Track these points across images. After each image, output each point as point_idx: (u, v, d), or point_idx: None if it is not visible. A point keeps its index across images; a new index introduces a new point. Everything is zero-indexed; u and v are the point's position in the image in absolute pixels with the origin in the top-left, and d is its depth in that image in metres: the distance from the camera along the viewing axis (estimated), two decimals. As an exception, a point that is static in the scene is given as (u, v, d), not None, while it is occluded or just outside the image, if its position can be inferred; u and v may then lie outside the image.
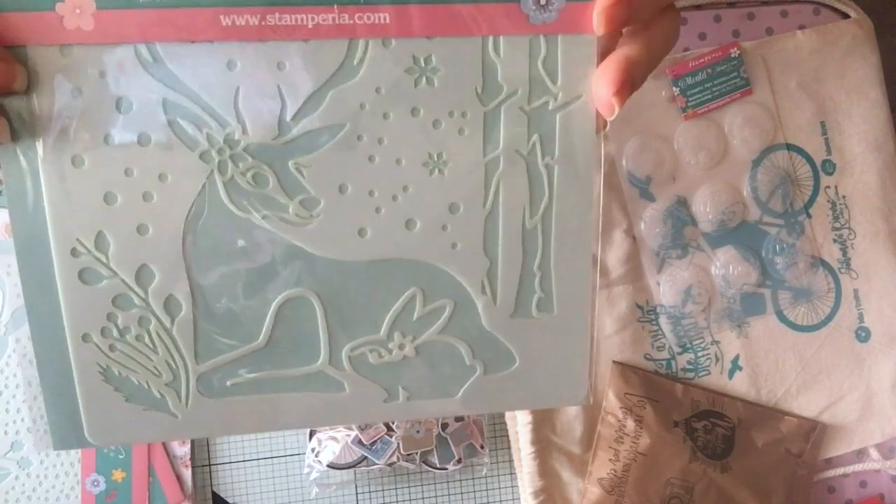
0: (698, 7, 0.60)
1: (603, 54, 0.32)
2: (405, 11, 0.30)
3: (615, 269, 0.58)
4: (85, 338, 0.32)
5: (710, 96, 0.57)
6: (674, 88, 0.57)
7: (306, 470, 0.58)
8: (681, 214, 0.58)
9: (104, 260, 0.31)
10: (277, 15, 0.30)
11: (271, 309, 0.33)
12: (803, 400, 0.60)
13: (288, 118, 0.31)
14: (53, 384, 0.32)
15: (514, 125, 0.32)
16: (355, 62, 0.31)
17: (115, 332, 0.32)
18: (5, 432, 0.56)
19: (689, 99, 0.57)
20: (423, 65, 0.31)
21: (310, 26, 0.30)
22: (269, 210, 0.32)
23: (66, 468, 0.57)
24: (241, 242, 0.32)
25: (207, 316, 0.33)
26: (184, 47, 0.30)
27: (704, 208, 0.58)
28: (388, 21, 0.30)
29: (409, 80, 0.31)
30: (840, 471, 0.62)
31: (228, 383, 0.33)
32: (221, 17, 0.29)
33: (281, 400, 0.34)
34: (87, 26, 0.29)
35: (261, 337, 0.33)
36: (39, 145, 0.30)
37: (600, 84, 0.31)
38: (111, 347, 0.32)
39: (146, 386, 0.33)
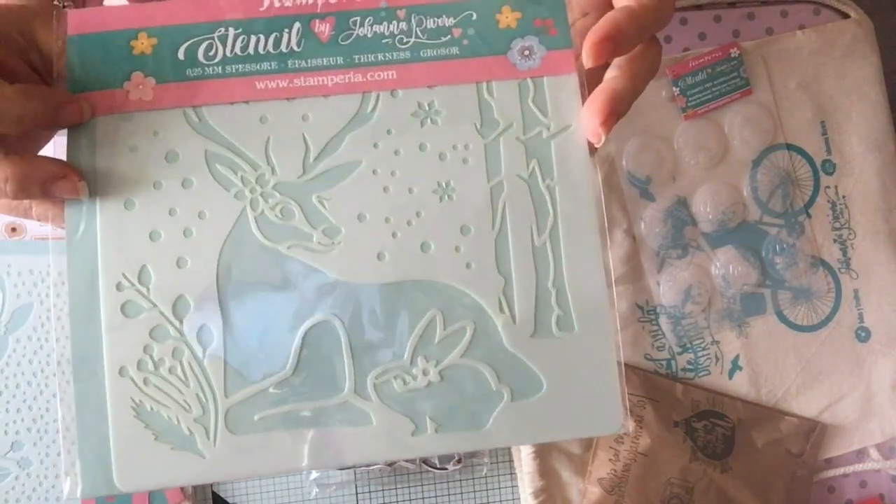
0: (698, 7, 0.60)
1: (591, 82, 0.36)
2: (408, 69, 0.36)
3: (615, 269, 0.58)
4: (122, 371, 0.34)
5: (710, 96, 0.57)
6: (674, 88, 0.57)
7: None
8: (681, 214, 0.58)
9: (145, 292, 0.35)
10: (303, 78, 0.36)
11: (298, 336, 0.35)
12: (803, 400, 0.60)
13: (311, 159, 0.36)
14: (88, 426, 0.34)
15: (512, 153, 0.36)
16: (368, 110, 0.36)
17: (150, 365, 0.34)
18: (5, 432, 0.56)
19: (689, 99, 0.57)
20: (427, 108, 0.36)
21: (329, 85, 0.36)
22: (295, 240, 0.35)
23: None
24: (269, 270, 0.35)
25: (236, 346, 0.35)
26: (224, 108, 0.35)
27: (704, 208, 0.58)
28: (394, 77, 0.36)
29: (416, 122, 0.36)
30: (840, 471, 0.62)
31: (256, 417, 0.34)
32: (257, 83, 0.35)
33: (308, 437, 0.34)
34: (147, 97, 0.35)
35: (287, 365, 0.35)
36: (99, 193, 0.35)
37: (588, 115, 0.34)
38: (145, 381, 0.34)
39: (176, 422, 0.34)
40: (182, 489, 0.57)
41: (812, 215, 0.60)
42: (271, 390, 0.34)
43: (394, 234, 0.35)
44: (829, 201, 0.60)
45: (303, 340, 0.35)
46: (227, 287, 0.35)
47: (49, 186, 0.33)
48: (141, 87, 0.35)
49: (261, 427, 0.34)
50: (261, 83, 0.35)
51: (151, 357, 0.34)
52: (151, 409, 0.34)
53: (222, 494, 0.59)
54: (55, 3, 0.37)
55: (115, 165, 0.35)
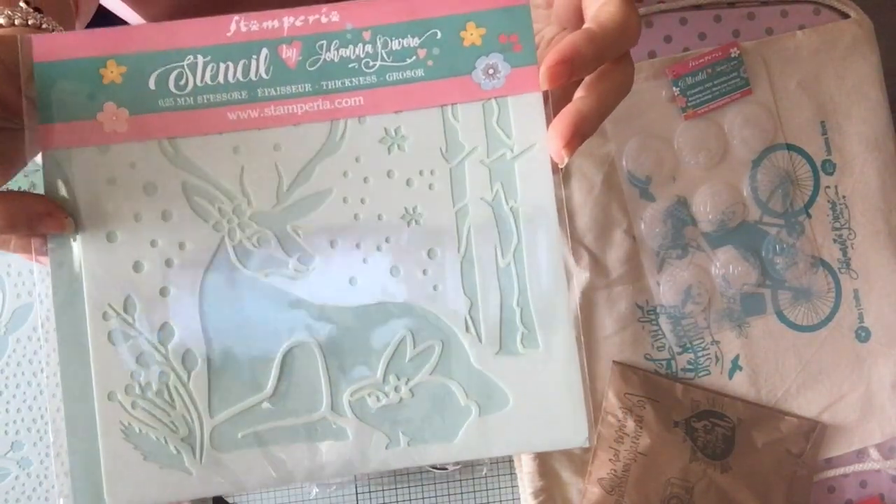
0: (698, 7, 0.60)
1: (557, 102, 0.36)
2: (375, 94, 0.37)
3: (615, 269, 0.58)
4: (110, 396, 0.36)
5: (710, 96, 0.57)
6: (674, 88, 0.57)
7: (306, 470, 0.58)
8: (681, 214, 0.58)
9: (130, 321, 0.36)
10: (273, 107, 0.36)
11: (277, 358, 0.36)
12: (803, 400, 0.60)
13: (284, 189, 0.37)
14: (80, 448, 0.36)
15: (477, 176, 0.37)
16: (337, 138, 0.37)
17: (137, 389, 0.36)
18: (5, 432, 0.56)
19: (689, 99, 0.57)
20: (393, 135, 0.37)
21: (299, 113, 0.36)
22: (272, 267, 0.37)
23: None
24: (248, 297, 0.37)
25: (219, 369, 0.36)
26: (198, 139, 0.36)
27: (704, 208, 0.58)
28: (361, 103, 0.37)
29: (383, 149, 0.37)
30: (840, 471, 0.62)
31: (239, 435, 0.36)
32: (228, 113, 0.36)
33: (288, 452, 0.37)
34: (122, 129, 0.35)
35: (268, 386, 0.36)
36: (80, 227, 0.36)
37: (552, 137, 0.35)
38: (133, 405, 0.36)
39: (164, 442, 0.36)
40: (182, 489, 0.57)
41: (812, 215, 0.60)
42: (253, 410, 0.36)
43: (364, 260, 0.37)
44: (829, 201, 0.60)
45: (282, 362, 0.37)
46: (209, 314, 0.36)
47: (35, 223, 0.34)
48: (115, 118, 0.35)
49: (244, 444, 0.36)
50: (232, 113, 0.36)
51: (139, 382, 0.36)
52: (140, 430, 0.36)
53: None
54: (24, 13, 0.38)
55: (94, 198, 0.36)
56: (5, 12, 0.38)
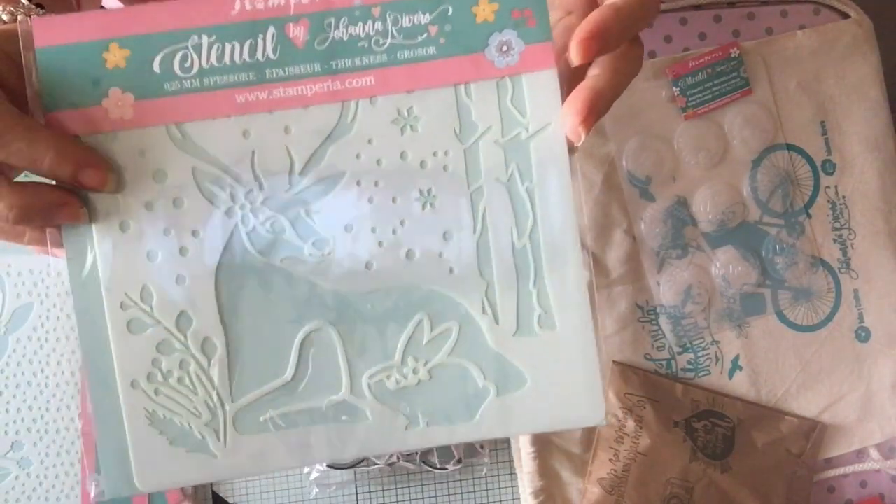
0: (698, 7, 0.60)
1: (572, 81, 0.35)
2: (386, 73, 0.35)
3: (615, 269, 0.58)
4: (133, 384, 0.36)
5: (710, 96, 0.57)
6: (674, 88, 0.57)
7: (306, 470, 0.58)
8: (681, 214, 0.58)
9: (148, 310, 0.36)
10: (282, 89, 0.35)
11: (295, 344, 0.36)
12: (803, 400, 0.60)
13: (297, 172, 0.36)
14: (107, 434, 0.36)
15: (491, 157, 0.36)
16: (349, 120, 0.36)
17: (159, 377, 0.36)
18: (5, 432, 0.56)
19: (689, 99, 0.57)
20: (406, 115, 0.36)
21: (309, 95, 0.35)
22: (287, 253, 0.36)
23: (66, 468, 0.57)
24: (265, 283, 0.36)
25: (239, 355, 0.36)
26: (207, 123, 0.35)
27: (704, 208, 0.58)
28: (372, 83, 0.36)
29: (396, 129, 0.36)
30: (840, 471, 0.62)
31: (261, 419, 0.36)
32: (237, 96, 0.35)
33: (310, 433, 0.37)
34: (128, 115, 0.35)
35: (287, 371, 0.36)
36: (93, 217, 0.35)
37: (568, 114, 0.34)
38: (156, 391, 0.36)
39: (188, 427, 0.36)
40: (182, 489, 0.57)
41: (812, 215, 0.60)
42: (274, 394, 0.36)
43: (380, 244, 0.36)
44: (829, 201, 0.60)
45: (300, 347, 0.36)
46: (226, 301, 0.36)
47: (51, 214, 0.34)
48: (120, 104, 0.35)
49: (267, 427, 0.36)
50: (241, 96, 0.35)
51: (160, 369, 0.36)
52: (164, 416, 0.36)
53: (222, 494, 0.59)
54: (27, 9, 0.37)
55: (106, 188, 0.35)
56: (8, 9, 0.38)
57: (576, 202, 0.36)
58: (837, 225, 0.60)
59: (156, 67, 0.35)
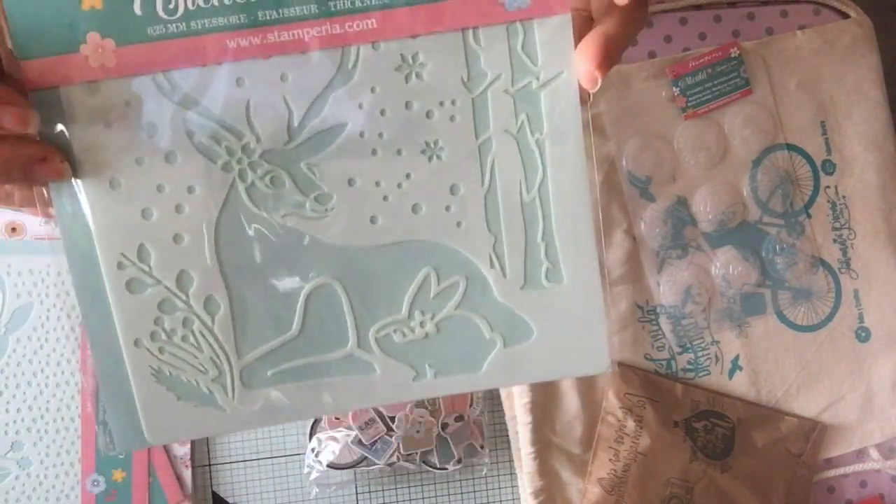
0: (698, 7, 0.60)
1: (578, 34, 0.34)
2: (389, 15, 0.33)
3: (615, 269, 0.58)
4: (137, 343, 0.35)
5: (710, 96, 0.57)
6: (674, 88, 0.57)
7: (306, 470, 0.58)
8: (681, 214, 0.58)
9: (147, 269, 0.35)
10: (276, 33, 0.33)
11: (300, 299, 0.36)
12: (803, 400, 0.60)
13: (295, 124, 0.34)
14: (113, 390, 0.35)
15: (501, 107, 0.35)
16: (350, 67, 0.34)
17: (163, 336, 0.35)
18: (5, 432, 0.56)
19: (689, 99, 0.57)
20: (411, 62, 0.34)
21: (306, 39, 0.33)
22: (288, 208, 0.35)
23: (66, 468, 0.57)
24: (267, 239, 0.35)
25: (243, 312, 0.35)
26: (197, 71, 0.33)
27: (704, 208, 0.58)
28: (374, 26, 0.33)
29: (401, 77, 0.34)
30: (840, 471, 0.62)
31: (269, 373, 0.36)
32: (227, 40, 0.33)
33: (318, 386, 0.36)
34: (110, 63, 0.32)
35: (293, 327, 0.36)
36: (80, 174, 0.33)
37: (582, 59, 0.33)
38: (161, 350, 0.35)
39: (195, 383, 0.36)
40: (182, 488, 0.57)
41: (812, 215, 0.60)
42: (281, 349, 0.36)
43: (385, 198, 0.35)
44: (829, 201, 0.60)
45: (305, 303, 0.36)
46: (227, 259, 0.35)
47: (31, 170, 0.32)
48: (100, 50, 0.32)
49: (274, 381, 0.36)
50: (232, 41, 0.32)
51: (163, 328, 0.35)
52: (170, 374, 0.35)
53: (222, 494, 0.59)
54: None
55: (91, 142, 0.33)
56: None
57: (588, 154, 0.35)
58: (837, 225, 0.60)
59: (137, 9, 0.32)
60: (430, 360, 0.37)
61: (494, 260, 0.36)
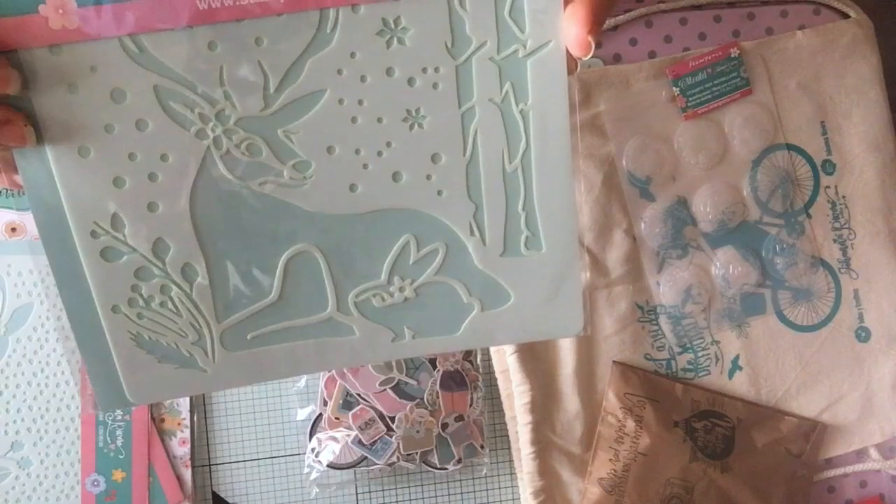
0: (698, 7, 0.60)
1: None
2: None
3: (615, 269, 0.58)
4: (115, 309, 0.35)
5: (710, 96, 0.57)
6: (674, 88, 0.57)
7: (306, 470, 0.58)
8: (681, 214, 0.58)
9: (122, 238, 0.34)
10: None
11: (279, 266, 0.35)
12: (803, 400, 0.60)
13: (272, 90, 0.33)
14: (92, 354, 0.35)
15: (485, 75, 0.34)
16: (328, 30, 0.32)
17: (140, 302, 0.35)
18: (5, 432, 0.56)
19: (689, 99, 0.57)
20: (392, 26, 0.32)
21: (281, 1, 0.31)
22: (266, 176, 0.34)
23: (66, 468, 0.57)
24: (243, 208, 0.34)
25: (222, 278, 0.35)
26: (166, 35, 0.31)
27: (704, 208, 0.58)
28: None
29: (381, 42, 0.33)
30: (840, 471, 0.62)
31: (249, 336, 0.36)
32: (198, 1, 0.31)
33: (298, 347, 0.36)
34: (72, 24, 0.30)
35: (273, 293, 0.36)
36: (47, 141, 0.32)
37: (572, 24, 0.31)
38: (139, 315, 0.35)
39: (175, 347, 0.36)
40: (182, 488, 0.57)
41: (812, 215, 0.60)
42: (261, 313, 0.36)
43: (365, 166, 0.35)
44: (829, 201, 0.60)
45: (285, 269, 0.36)
46: (203, 227, 0.34)
47: None
48: (62, 11, 0.30)
49: (255, 344, 0.36)
50: (202, 2, 0.31)
51: (140, 295, 0.35)
52: (150, 338, 0.35)
53: (222, 494, 0.59)
54: None
55: (56, 109, 0.32)
56: None
57: (572, 123, 0.34)
58: (837, 225, 0.60)
59: None
60: (408, 322, 0.37)
61: (474, 228, 0.36)
